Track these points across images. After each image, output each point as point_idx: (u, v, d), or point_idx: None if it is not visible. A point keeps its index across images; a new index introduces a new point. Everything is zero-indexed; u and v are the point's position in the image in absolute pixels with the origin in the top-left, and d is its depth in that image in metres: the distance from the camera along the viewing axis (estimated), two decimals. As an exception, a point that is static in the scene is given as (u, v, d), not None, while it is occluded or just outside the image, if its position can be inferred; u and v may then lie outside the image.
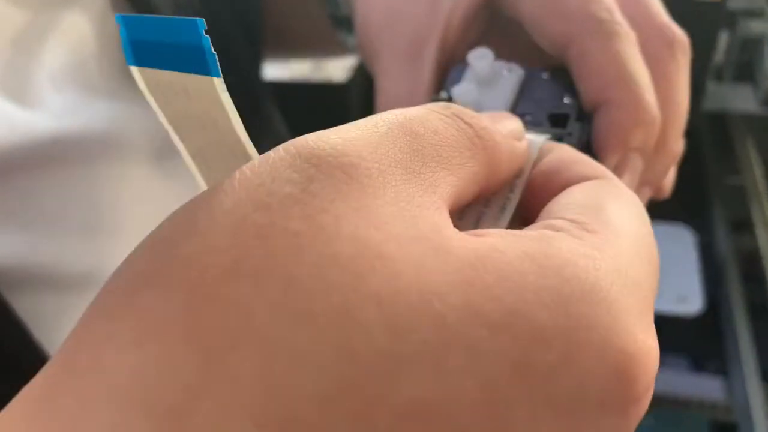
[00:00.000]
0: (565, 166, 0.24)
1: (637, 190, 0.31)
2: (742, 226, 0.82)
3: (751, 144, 0.82)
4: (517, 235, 0.19)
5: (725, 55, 0.77)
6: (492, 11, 0.34)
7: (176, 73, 0.18)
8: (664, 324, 0.75)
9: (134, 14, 0.18)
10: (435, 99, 0.29)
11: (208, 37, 0.17)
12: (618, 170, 0.29)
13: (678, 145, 0.32)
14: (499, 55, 0.31)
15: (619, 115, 0.29)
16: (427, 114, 0.21)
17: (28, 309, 0.32)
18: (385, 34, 0.35)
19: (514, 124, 0.24)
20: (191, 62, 0.18)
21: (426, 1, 0.34)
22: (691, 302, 0.75)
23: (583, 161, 0.24)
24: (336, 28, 0.44)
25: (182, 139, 0.20)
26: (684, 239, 0.81)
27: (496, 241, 0.18)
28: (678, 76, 0.31)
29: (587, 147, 0.29)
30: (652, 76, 0.30)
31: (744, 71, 0.77)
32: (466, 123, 0.21)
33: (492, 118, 0.23)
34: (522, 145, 0.24)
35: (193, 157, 0.20)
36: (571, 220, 0.20)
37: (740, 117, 0.81)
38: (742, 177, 0.83)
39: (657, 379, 0.61)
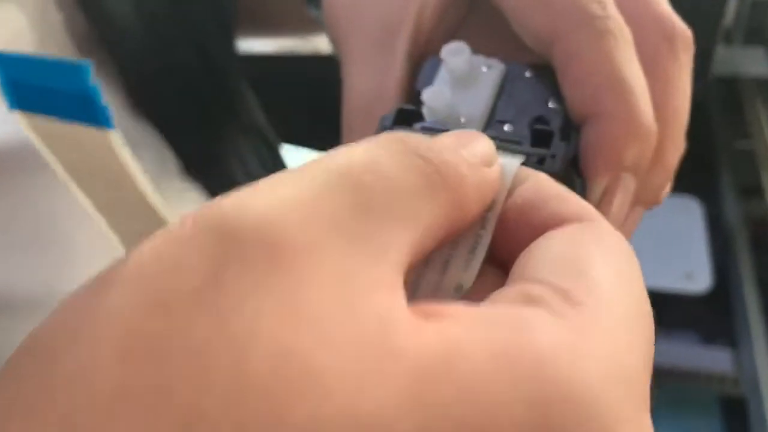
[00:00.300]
0: (543, 202, 0.20)
1: (629, 211, 0.27)
2: (752, 192, 0.79)
3: (761, 107, 0.79)
4: (485, 321, 0.15)
5: (735, 18, 0.73)
6: None
7: (67, 123, 0.15)
8: (672, 302, 0.73)
9: (13, 53, 0.15)
10: (402, 108, 0.26)
11: (96, 85, 0.14)
12: (608, 193, 0.25)
13: (676, 157, 0.28)
14: (479, 46, 0.27)
15: (610, 129, 0.25)
16: (376, 155, 0.17)
17: None
18: (352, 18, 0.30)
19: (483, 146, 0.20)
20: (80, 112, 0.15)
21: None
22: (698, 279, 0.72)
23: (563, 197, 0.20)
24: (307, 6, 0.40)
25: (85, 193, 0.17)
26: (691, 211, 0.78)
27: (460, 333, 0.15)
28: (678, 78, 0.27)
29: (574, 163, 0.26)
30: (648, 77, 0.26)
31: (754, 34, 0.73)
32: (423, 159, 0.17)
33: (457, 140, 0.20)
34: (493, 174, 0.20)
35: (101, 211, 0.17)
36: (552, 287, 0.16)
37: (751, 81, 0.78)
38: (752, 141, 0.80)
39: (664, 353, 0.59)
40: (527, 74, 0.27)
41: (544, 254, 0.18)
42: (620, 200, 0.25)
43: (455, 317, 0.15)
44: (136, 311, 0.13)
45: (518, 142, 0.24)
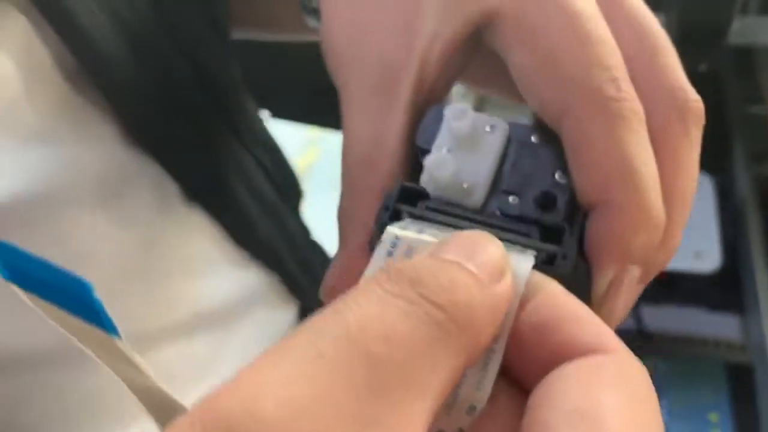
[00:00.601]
0: (560, 325, 0.19)
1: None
2: (764, 157, 0.78)
3: (776, 75, 0.78)
4: None
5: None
6: (477, 42, 0.28)
7: (71, 314, 0.15)
8: (681, 281, 0.72)
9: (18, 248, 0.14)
10: (405, 185, 0.25)
11: (100, 301, 0.13)
12: (614, 285, 0.25)
13: (680, 235, 0.27)
14: (483, 90, 0.26)
15: (620, 222, 0.24)
16: (385, 311, 0.16)
17: None
18: (351, 53, 0.28)
19: (492, 254, 0.19)
20: (84, 313, 0.14)
21: (398, 20, 0.28)
22: (708, 259, 0.71)
23: (580, 321, 0.19)
24: (306, 16, 0.38)
25: (99, 357, 0.16)
26: (702, 187, 0.76)
27: None
28: (688, 156, 0.25)
29: (579, 243, 0.25)
30: (656, 151, 0.25)
31: (771, 4, 0.71)
32: (435, 305, 0.17)
33: (464, 249, 0.19)
34: (505, 288, 0.19)
35: (115, 371, 0.17)
36: None
37: (766, 50, 0.76)
38: (766, 107, 0.79)
39: (671, 321, 0.59)
40: (533, 139, 0.26)
41: (561, 405, 0.17)
42: (626, 291, 0.25)
43: None
44: None
45: (527, 234, 0.24)
